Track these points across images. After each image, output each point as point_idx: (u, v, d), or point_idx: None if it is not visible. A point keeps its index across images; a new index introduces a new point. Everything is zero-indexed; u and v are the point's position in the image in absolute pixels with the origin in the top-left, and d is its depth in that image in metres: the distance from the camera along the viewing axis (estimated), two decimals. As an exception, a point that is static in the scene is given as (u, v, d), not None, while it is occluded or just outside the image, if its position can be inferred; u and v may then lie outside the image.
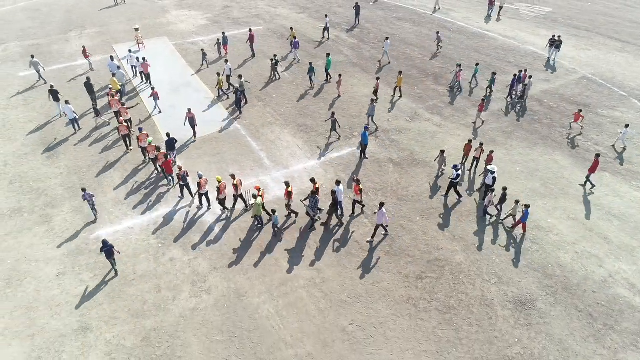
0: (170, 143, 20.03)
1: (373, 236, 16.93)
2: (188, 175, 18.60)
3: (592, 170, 18.86)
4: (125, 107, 23.22)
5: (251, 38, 30.07)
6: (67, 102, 22.57)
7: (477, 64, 27.26)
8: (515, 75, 25.47)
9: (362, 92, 26.83)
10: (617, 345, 13.44)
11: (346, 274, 15.86)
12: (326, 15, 33.59)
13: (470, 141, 19.83)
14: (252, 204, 18.73)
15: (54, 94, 23.96)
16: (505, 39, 33.69)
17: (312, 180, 17.77)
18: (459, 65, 26.77)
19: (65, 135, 22.97)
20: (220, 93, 26.21)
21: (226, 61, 26.67)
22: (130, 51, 27.30)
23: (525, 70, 25.67)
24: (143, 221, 18.02)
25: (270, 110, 25.26)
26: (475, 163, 20.26)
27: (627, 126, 21.28)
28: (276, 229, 17.18)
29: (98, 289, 15.37)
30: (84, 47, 28.65)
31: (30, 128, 23.48)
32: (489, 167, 18.08)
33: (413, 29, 35.72)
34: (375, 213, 16.83)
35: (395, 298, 15.01)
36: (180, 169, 18.29)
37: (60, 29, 35.63)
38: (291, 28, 31.16)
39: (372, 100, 22.88)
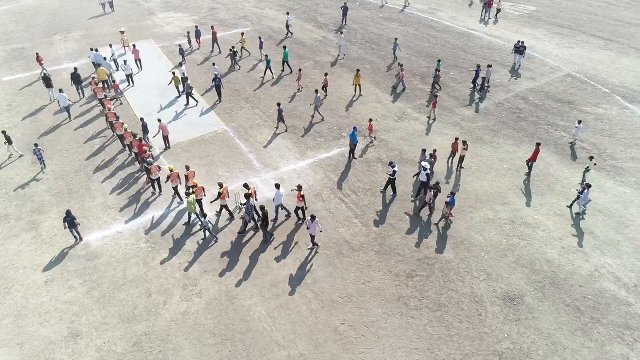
0: (144, 126, 21.55)
1: (313, 247, 16.81)
2: (159, 170, 19.01)
3: (533, 158, 19.61)
4: (108, 98, 24.31)
5: (213, 35, 31.37)
6: (60, 91, 23.76)
7: (439, 60, 27.91)
8: (478, 65, 26.61)
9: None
10: (603, 337, 13.69)
11: (337, 274, 15.94)
12: (288, 12, 34.61)
13: (456, 139, 20.05)
14: (239, 209, 18.74)
15: (47, 80, 24.88)
16: (491, 38, 34.04)
17: (245, 186, 17.44)
18: (401, 65, 27.15)
19: (51, 141, 22.75)
20: (180, 94, 26.63)
21: (181, 64, 27.22)
22: (125, 62, 27.09)
23: (490, 66, 26.80)
24: (132, 225, 17.92)
25: (258, 111, 25.25)
26: (460, 161, 20.42)
27: (579, 122, 21.69)
28: (207, 233, 17.15)
29: (88, 295, 15.26)
30: (37, 53, 27.93)
31: (15, 134, 23.19)
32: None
33: (400, 28, 35.90)
34: (308, 227, 16.24)
35: (386, 297, 15.12)
36: (149, 155, 19.26)
37: (44, 32, 35.21)
38: (242, 33, 31.46)
39: (316, 90, 24.01)
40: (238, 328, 14.18)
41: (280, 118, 22.95)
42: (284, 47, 28.60)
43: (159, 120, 21.53)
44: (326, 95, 26.44)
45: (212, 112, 25.10)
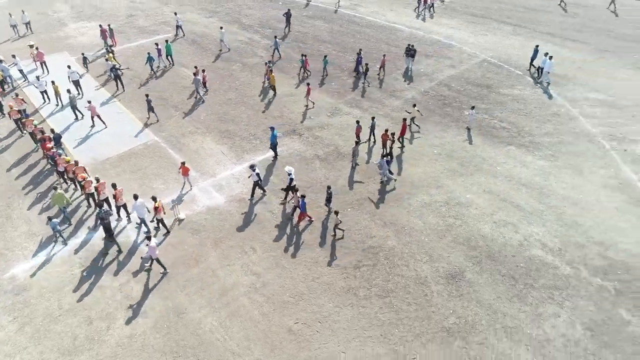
0: (57, 138, 20.68)
1: (151, 265, 16.19)
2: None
3: (402, 133, 21.48)
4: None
5: (103, 32, 31.65)
6: None
7: (325, 56, 28.48)
8: (358, 53, 28.03)
9: (282, 92, 26.94)
10: (537, 300, 14.77)
11: (286, 275, 15.94)
12: (222, 27, 33.41)
13: (386, 131, 20.63)
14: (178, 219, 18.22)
15: None
16: (412, 30, 35.40)
17: (153, 199, 16.91)
18: (269, 63, 27.52)
19: (-39, 169, 20.80)
20: (58, 102, 25.76)
21: (68, 66, 26.51)
22: (38, 78, 25.30)
23: (412, 55, 28.27)
24: (63, 251, 16.82)
25: (189, 119, 24.59)
26: (389, 149, 20.98)
27: (472, 108, 23.12)
28: (58, 236, 16.85)
29: (20, 332, 14.14)
30: None
31: None
32: (286, 169, 18.54)
33: (325, 26, 36.39)
34: (148, 246, 15.59)
35: (336, 290, 15.35)
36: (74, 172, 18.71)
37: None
38: (109, 51, 30.23)
39: (194, 73, 25.52)
40: (190, 343, 13.79)
41: (150, 109, 23.60)
42: (166, 41, 29.83)
43: (89, 102, 23.21)
44: (275, 94, 26.78)
45: (139, 123, 24.09)
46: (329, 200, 17.92)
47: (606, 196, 18.82)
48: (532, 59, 28.63)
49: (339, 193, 19.40)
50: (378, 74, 28.62)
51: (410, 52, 28.66)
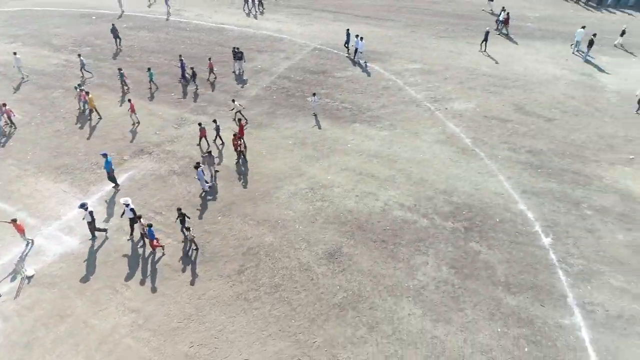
0: None
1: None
2: None
3: (241, 133, 20.77)
4: None
5: None
6: None
7: (149, 69, 27.19)
8: (181, 60, 27.20)
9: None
10: (407, 255, 16.41)
11: (169, 301, 15.03)
12: (15, 53, 29.70)
13: (234, 135, 20.48)
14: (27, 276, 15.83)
15: None
16: (242, 29, 35.63)
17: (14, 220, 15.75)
18: (79, 86, 25.75)
19: None
20: None
21: None
22: None
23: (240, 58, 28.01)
24: None
25: (12, 161, 21.31)
26: (241, 155, 20.94)
27: (314, 94, 24.44)
28: None
29: None
30: None
31: None
32: (122, 200, 17.09)
33: (150, 35, 34.52)
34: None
35: (225, 301, 15.01)
36: None
37: None
38: None
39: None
40: (74, 408, 12.21)
41: None
42: None
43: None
44: (100, 117, 24.44)
45: (-54, 180, 20.12)
46: (182, 222, 16.66)
47: (440, 150, 21.61)
48: (346, 42, 31.10)
49: (205, 203, 18.84)
50: (208, 79, 28.16)
51: (238, 55, 28.20)
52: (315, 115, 24.55)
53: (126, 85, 27.12)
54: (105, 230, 17.47)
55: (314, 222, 17.93)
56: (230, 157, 21.38)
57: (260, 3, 40.31)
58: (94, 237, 17.33)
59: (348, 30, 30.81)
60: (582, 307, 14.35)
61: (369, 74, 28.62)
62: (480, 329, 13.82)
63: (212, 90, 27.09)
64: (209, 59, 28.33)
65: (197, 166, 18.62)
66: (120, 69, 26.58)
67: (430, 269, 15.83)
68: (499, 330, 13.77)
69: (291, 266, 16.13)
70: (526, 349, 13.22)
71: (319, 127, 23.61)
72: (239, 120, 21.64)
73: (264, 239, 17.24)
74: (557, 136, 22.18)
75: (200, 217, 18.18)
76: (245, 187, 19.75)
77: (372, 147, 22.04)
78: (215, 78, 28.14)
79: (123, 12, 39.26)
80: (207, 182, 19.47)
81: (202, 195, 19.26)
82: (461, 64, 29.45)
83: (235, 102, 23.66)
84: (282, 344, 13.68)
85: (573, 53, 30.69)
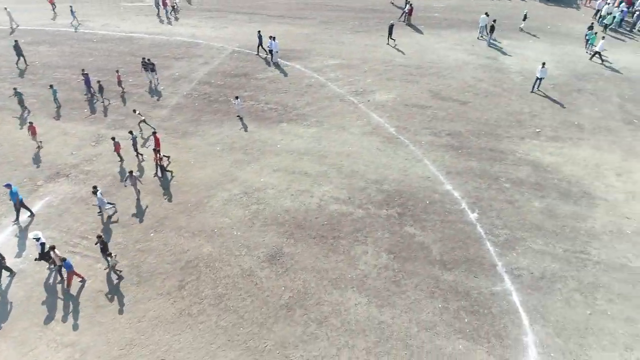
0: None
1: None
2: None
3: (157, 144, 19.84)
4: None
5: None
6: None
7: (51, 85, 25.41)
8: (83, 73, 25.85)
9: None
10: (347, 247, 16.73)
11: (106, 329, 14.15)
12: None
13: (154, 150, 19.68)
14: None
15: None
16: (153, 36, 34.22)
17: None
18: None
19: None
20: None
21: None
22: None
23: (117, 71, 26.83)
24: None
25: None
26: (159, 169, 20.19)
27: (237, 97, 24.43)
28: None
29: None
30: None
31: None
32: (31, 235, 15.86)
33: (52, 50, 32.13)
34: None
35: (168, 319, 14.41)
36: None
37: None
38: None
39: None
40: None
41: None
42: None
43: None
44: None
45: None
46: (104, 250, 15.61)
47: (367, 141, 22.22)
48: (260, 44, 30.88)
49: (134, 222, 17.93)
50: (121, 92, 26.77)
51: (149, 67, 26.84)
52: (240, 118, 24.22)
53: (25, 107, 24.93)
54: (11, 271, 15.96)
55: (251, 226, 17.71)
56: (154, 169, 20.51)
57: (174, 9, 38.97)
58: (12, 273, 15.87)
59: (259, 32, 30.62)
60: (510, 273, 15.48)
61: (289, 74, 28.72)
62: (423, 307, 14.44)
63: (125, 104, 25.77)
64: (117, 70, 26.89)
65: (94, 191, 17.48)
66: (15, 89, 24.45)
67: (370, 257, 16.25)
68: (440, 306, 14.48)
69: (233, 274, 15.83)
70: (466, 320, 14.03)
71: (246, 130, 23.33)
72: (154, 133, 20.58)
73: (201, 250, 16.75)
74: (472, 117, 23.69)
75: (130, 237, 17.27)
76: (175, 199, 19.05)
77: (302, 145, 22.17)
78: (124, 90, 26.67)
79: (17, 26, 36.20)
80: (111, 204, 18.46)
81: (114, 218, 18.17)
82: (377, 57, 30.45)
83: (136, 112, 22.95)
84: (233, 353, 13.41)
85: (478, 38, 32.90)
